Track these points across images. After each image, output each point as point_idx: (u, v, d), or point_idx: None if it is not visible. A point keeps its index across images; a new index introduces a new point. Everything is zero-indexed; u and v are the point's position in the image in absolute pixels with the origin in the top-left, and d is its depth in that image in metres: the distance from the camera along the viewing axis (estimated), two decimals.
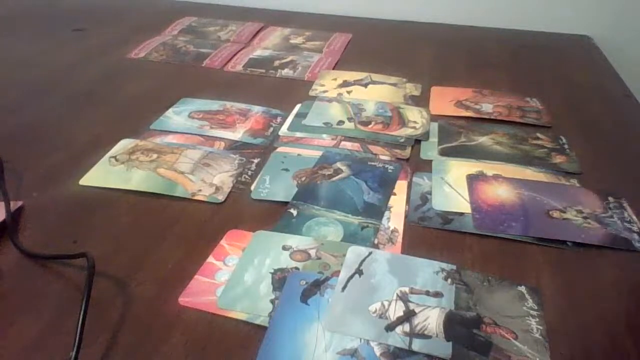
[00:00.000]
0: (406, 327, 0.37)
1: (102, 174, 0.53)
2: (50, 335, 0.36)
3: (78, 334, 0.34)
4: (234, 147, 0.59)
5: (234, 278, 0.41)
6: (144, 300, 0.39)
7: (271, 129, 0.63)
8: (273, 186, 0.52)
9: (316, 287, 0.40)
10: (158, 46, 0.87)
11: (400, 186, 0.53)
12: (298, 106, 0.68)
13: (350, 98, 0.70)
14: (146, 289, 0.40)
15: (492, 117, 0.66)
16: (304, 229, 0.47)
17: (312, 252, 0.44)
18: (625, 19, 0.95)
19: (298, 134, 0.62)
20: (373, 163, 0.56)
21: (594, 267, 0.42)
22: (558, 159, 0.58)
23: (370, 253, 0.44)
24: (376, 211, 0.49)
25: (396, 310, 0.38)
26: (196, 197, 0.50)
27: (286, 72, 0.79)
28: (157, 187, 0.51)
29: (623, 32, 0.95)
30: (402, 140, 0.60)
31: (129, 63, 0.82)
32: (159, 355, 0.35)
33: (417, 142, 0.61)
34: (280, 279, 0.41)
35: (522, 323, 0.38)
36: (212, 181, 0.52)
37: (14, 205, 0.48)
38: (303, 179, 0.53)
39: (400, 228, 0.47)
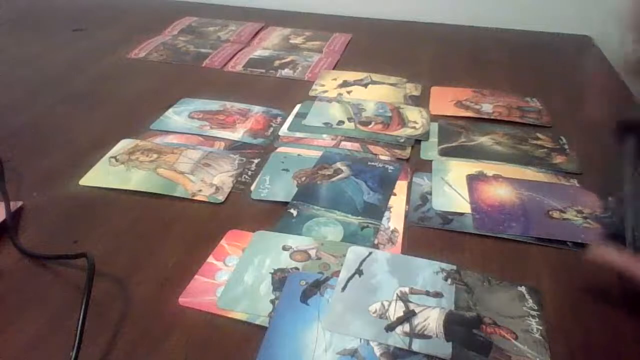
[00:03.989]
0: (406, 327, 0.37)
1: (102, 174, 0.53)
2: (50, 335, 0.36)
3: (78, 334, 0.34)
4: (234, 147, 0.59)
5: (234, 278, 0.41)
6: (144, 300, 0.39)
7: (271, 129, 0.63)
8: (273, 186, 0.52)
9: (316, 287, 0.40)
10: (158, 46, 0.87)
11: (400, 186, 0.53)
12: (298, 106, 0.68)
13: (350, 98, 0.70)
14: (146, 289, 0.40)
15: (492, 117, 0.66)
16: (304, 229, 0.47)
17: (312, 253, 0.44)
18: (625, 19, 0.95)
19: (298, 134, 0.62)
20: (373, 163, 0.56)
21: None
22: (558, 159, 0.58)
23: (370, 253, 0.44)
24: (376, 211, 0.49)
25: (396, 310, 0.38)
26: (196, 197, 0.50)
27: (286, 72, 0.79)
28: (157, 187, 0.51)
29: (623, 32, 0.95)
30: (402, 140, 0.60)
31: (129, 63, 0.82)
32: (159, 355, 0.35)
33: (417, 142, 0.61)
34: (280, 279, 0.41)
35: (522, 323, 0.38)
36: (212, 181, 0.52)
37: (14, 205, 0.48)
38: (303, 179, 0.53)
39: (400, 228, 0.47)
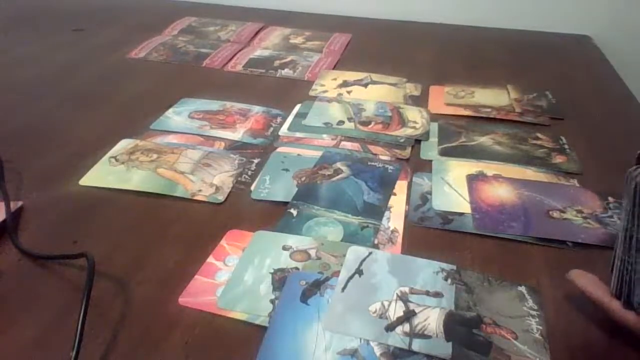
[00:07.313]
0: (406, 327, 0.37)
1: (102, 174, 0.53)
2: (50, 335, 0.36)
3: (78, 334, 0.34)
4: (234, 147, 0.59)
5: (234, 278, 0.41)
6: (144, 300, 0.39)
7: (271, 129, 0.63)
8: (273, 186, 0.52)
9: (316, 287, 0.40)
10: (158, 46, 0.87)
11: (400, 186, 0.53)
12: (298, 106, 0.68)
13: (350, 98, 0.70)
14: (146, 289, 0.40)
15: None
16: (304, 229, 0.47)
17: (312, 252, 0.44)
18: (625, 19, 0.95)
19: (298, 134, 0.62)
20: (373, 163, 0.56)
21: (594, 267, 0.42)
22: (558, 159, 0.58)
23: (370, 253, 0.43)
24: (376, 211, 0.49)
25: (396, 310, 0.38)
26: (196, 197, 0.50)
27: (286, 72, 0.79)
28: (157, 187, 0.51)
29: (623, 32, 0.95)
30: (402, 140, 0.60)
31: (129, 63, 0.82)
32: (159, 355, 0.35)
33: (417, 142, 0.61)
34: (280, 279, 0.41)
35: (522, 323, 0.38)
36: (212, 181, 0.52)
37: (14, 205, 0.48)
38: (303, 179, 0.53)
39: (400, 228, 0.47)
